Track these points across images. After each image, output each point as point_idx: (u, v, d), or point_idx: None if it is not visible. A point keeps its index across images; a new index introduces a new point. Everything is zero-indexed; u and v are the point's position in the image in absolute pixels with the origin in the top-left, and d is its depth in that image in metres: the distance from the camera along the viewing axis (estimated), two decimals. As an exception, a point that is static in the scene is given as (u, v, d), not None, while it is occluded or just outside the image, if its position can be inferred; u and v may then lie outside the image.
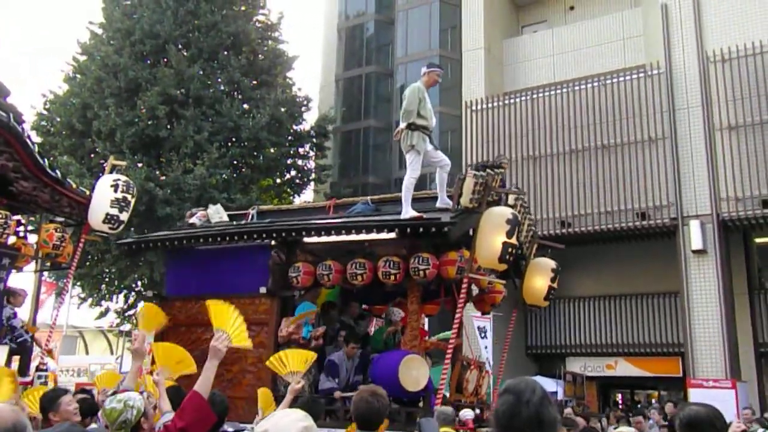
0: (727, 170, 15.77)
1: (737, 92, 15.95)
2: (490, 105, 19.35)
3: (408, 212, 7.15)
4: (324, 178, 23.83)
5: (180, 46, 20.05)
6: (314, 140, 23.05)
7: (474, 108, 19.51)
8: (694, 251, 15.89)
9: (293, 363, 5.40)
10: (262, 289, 7.66)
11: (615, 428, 9.27)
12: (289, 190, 23.11)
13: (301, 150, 22.94)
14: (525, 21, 23.90)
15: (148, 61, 19.95)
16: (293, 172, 23.04)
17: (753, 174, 15.49)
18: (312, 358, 5.56)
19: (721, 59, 16.25)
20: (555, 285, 7.89)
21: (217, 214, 9.05)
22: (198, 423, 3.14)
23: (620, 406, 19.93)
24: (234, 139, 19.80)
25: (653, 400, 19.48)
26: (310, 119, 23.90)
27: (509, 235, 6.69)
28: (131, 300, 20.83)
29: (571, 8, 22.76)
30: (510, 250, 6.72)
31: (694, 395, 14.04)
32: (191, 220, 9.06)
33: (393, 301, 8.95)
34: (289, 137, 21.86)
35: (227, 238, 7.87)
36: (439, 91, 26.81)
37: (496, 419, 2.36)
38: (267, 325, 7.64)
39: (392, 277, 7.00)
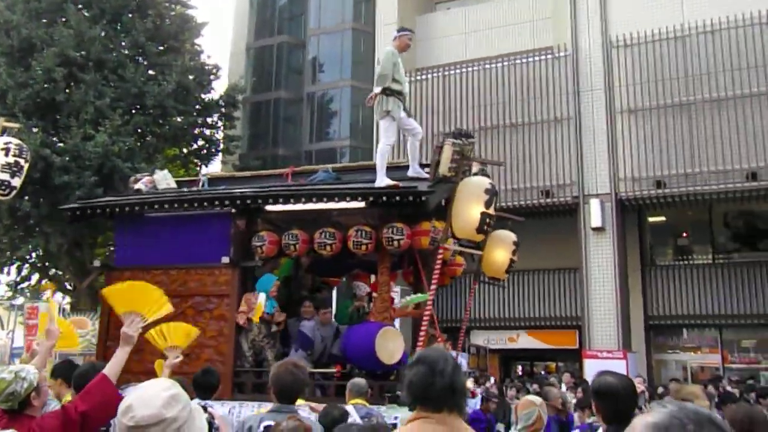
0: (626, 151, 16.46)
1: (637, 77, 16.62)
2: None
3: (383, 180, 6.94)
4: (233, 149, 23.32)
5: (80, 6, 19.01)
6: (223, 110, 22.48)
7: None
8: (593, 229, 16.55)
9: (174, 337, 5.19)
10: (225, 259, 7.29)
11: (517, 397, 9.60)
12: (196, 160, 22.50)
13: (209, 119, 22.34)
14: (438, -2, 24.01)
15: (44, 20, 18.82)
16: (201, 142, 22.46)
17: (649, 156, 16.23)
18: (194, 333, 5.37)
19: (623, 44, 16.86)
20: (515, 258, 7.84)
21: (165, 180, 8.58)
22: (102, 408, 2.95)
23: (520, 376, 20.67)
24: (138, 106, 19.02)
25: (543, 371, 20.24)
26: (219, 88, 23.30)
27: (487, 205, 6.62)
28: (24, 272, 19.82)
29: (484, -13, 22.99)
30: (488, 220, 6.67)
31: (589, 366, 14.74)
32: (137, 186, 8.50)
33: (349, 273, 8.77)
34: (197, 106, 21.22)
35: (187, 205, 7.47)
36: (351, 64, 26.69)
37: (409, 390, 2.35)
38: (228, 296, 7.33)
39: (364, 247, 6.77)
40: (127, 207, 7.80)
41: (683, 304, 17.49)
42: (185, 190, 8.34)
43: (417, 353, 2.49)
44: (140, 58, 19.85)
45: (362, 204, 6.90)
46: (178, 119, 19.96)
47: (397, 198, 6.61)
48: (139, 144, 18.86)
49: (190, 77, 20.35)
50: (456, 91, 18.60)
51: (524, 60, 18.14)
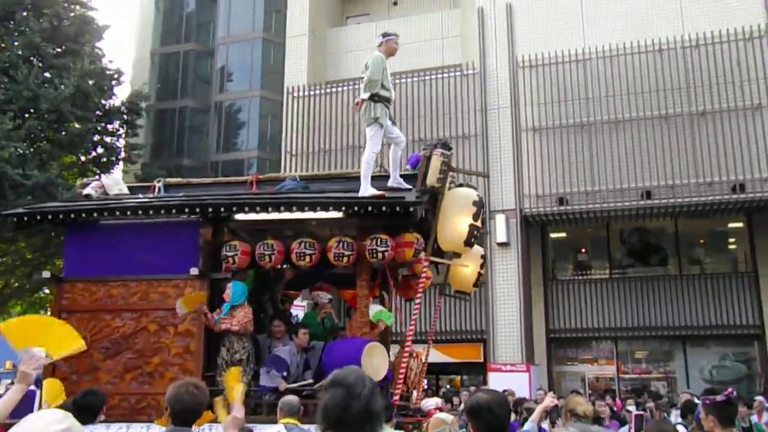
0: (530, 169, 16.92)
1: (542, 96, 17.14)
2: (312, 92, 19.24)
3: (367, 189, 6.64)
4: (135, 157, 22.47)
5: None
6: (125, 117, 21.63)
7: (296, 94, 19.31)
8: (498, 244, 16.89)
9: (34, 336, 4.32)
10: (194, 270, 6.76)
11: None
12: (94, 168, 21.50)
13: (109, 126, 21.44)
14: (350, 12, 24.06)
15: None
16: (100, 150, 21.48)
17: (552, 174, 16.74)
18: (76, 341, 4.29)
19: (529, 65, 17.36)
20: (482, 271, 7.68)
21: (117, 185, 7.90)
22: None
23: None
24: (32, 110, 18.01)
25: (448, 385, 20.45)
26: (121, 94, 22.40)
27: (475, 217, 6.46)
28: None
29: (395, 4, 23.27)
30: (475, 233, 6.48)
31: (493, 378, 14.96)
32: (86, 191, 7.76)
33: (311, 285, 8.41)
34: (97, 112, 20.33)
35: (152, 212, 6.86)
36: (260, 75, 26.32)
37: (324, 414, 2.22)
38: (195, 311, 6.79)
39: (345, 259, 6.50)
40: (84, 213, 7.14)
41: (582, 317, 18.08)
42: (141, 196, 7.67)
43: (332, 374, 2.35)
44: (35, 59, 18.83)
45: (340, 214, 6.63)
46: (76, 125, 19.04)
47: (384, 209, 6.36)
48: (31, 150, 17.85)
49: (90, 82, 19.48)
50: (366, 105, 18.59)
51: (434, 76, 18.38)
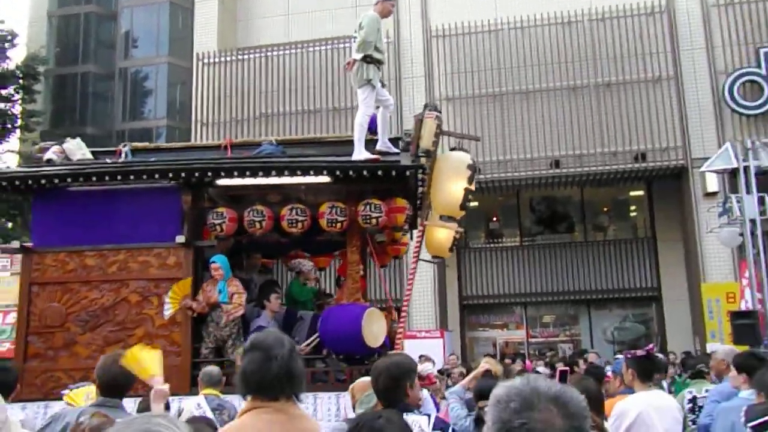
0: (445, 138, 17.06)
1: (455, 66, 17.28)
2: (222, 59, 18.70)
3: (361, 152, 6.47)
4: (33, 125, 21.27)
5: None
6: (21, 82, 20.40)
7: (206, 61, 18.72)
8: (413, 213, 17.03)
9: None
10: (179, 238, 6.46)
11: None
12: (-13, 136, 20.29)
13: (3, 92, 20.17)
14: (261, -23, 23.41)
15: None
16: (-6, 117, 20.23)
17: (465, 143, 16.92)
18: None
19: (442, 34, 17.44)
20: (457, 235, 7.43)
21: (80, 150, 7.36)
22: None
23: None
24: None
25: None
26: (16, 58, 21.09)
27: (470, 180, 6.35)
28: None
29: (308, -31, 22.77)
30: (470, 196, 6.39)
31: (409, 345, 15.15)
32: (46, 156, 7.21)
33: (287, 253, 8.19)
34: (-11, 76, 19.09)
35: (133, 177, 6.50)
36: (168, 40, 25.36)
37: (243, 378, 2.16)
38: (181, 280, 6.48)
39: (338, 225, 6.38)
40: (57, 179, 6.62)
41: (494, 284, 18.58)
42: (108, 161, 7.17)
43: (251, 338, 2.29)
44: None
45: (328, 179, 6.37)
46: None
47: (379, 173, 6.18)
48: None
49: (-20, 43, 18.25)
50: (278, 73, 18.26)
51: (345, 45, 18.18)
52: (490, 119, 16.85)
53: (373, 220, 6.34)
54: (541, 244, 19.09)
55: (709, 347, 13.72)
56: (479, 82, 17.05)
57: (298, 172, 6.27)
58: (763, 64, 15.50)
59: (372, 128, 6.99)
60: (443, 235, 7.41)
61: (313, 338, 6.61)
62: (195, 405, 4.83)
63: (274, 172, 6.26)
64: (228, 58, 18.71)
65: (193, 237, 6.59)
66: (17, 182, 6.79)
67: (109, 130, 24.19)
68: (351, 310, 6.40)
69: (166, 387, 3.16)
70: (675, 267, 17.47)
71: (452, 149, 6.94)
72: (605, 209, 19.96)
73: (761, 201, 12.11)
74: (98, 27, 25.68)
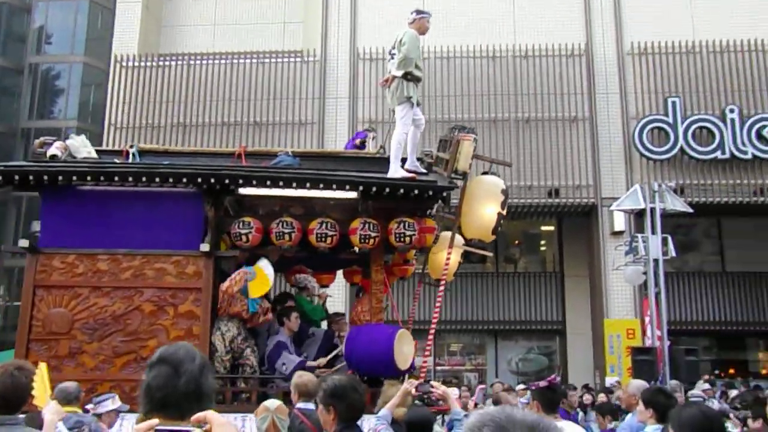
0: (365, 161, 17.06)
1: (379, 89, 17.31)
2: (143, 64, 18.12)
3: (397, 171, 6.42)
4: (-72, 116, 19.94)
5: None
6: None
7: (125, 64, 18.08)
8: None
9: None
10: (204, 247, 6.15)
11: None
12: None
13: None
14: (189, -16, 22.94)
15: None
16: None
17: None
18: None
19: (369, 57, 17.51)
20: (462, 261, 7.61)
21: (84, 147, 6.94)
22: None
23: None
24: None
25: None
26: None
27: (503, 206, 6.34)
28: None
29: (238, -19, 22.50)
30: (501, 221, 6.35)
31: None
32: (50, 152, 6.70)
33: (290, 268, 7.96)
34: None
35: (158, 180, 6.14)
36: (84, 39, 24.42)
37: (147, 395, 1.95)
38: (200, 291, 6.12)
39: (371, 241, 6.28)
40: (74, 176, 6.17)
41: (403, 310, 18.54)
42: (116, 161, 6.83)
43: (159, 351, 2.09)
44: None
45: (355, 194, 6.27)
46: None
47: (416, 191, 6.13)
48: None
49: None
50: (201, 83, 17.84)
51: (273, 60, 18.00)
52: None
53: (407, 239, 6.34)
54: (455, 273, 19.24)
55: (608, 381, 14.15)
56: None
57: (334, 186, 6.21)
58: (670, 113, 16.30)
59: (351, 145, 7.12)
60: (451, 260, 7.41)
61: (332, 355, 6.59)
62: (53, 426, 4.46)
63: (308, 184, 6.15)
64: (148, 63, 18.14)
65: (216, 246, 6.42)
66: (30, 178, 6.32)
67: (14, 127, 22.95)
68: (382, 330, 6.33)
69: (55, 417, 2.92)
70: (580, 302, 17.98)
71: (484, 173, 6.91)
72: (517, 242, 20.39)
73: (664, 242, 12.63)
74: (9, 18, 24.48)
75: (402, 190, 6.21)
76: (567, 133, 16.84)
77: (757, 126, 16.00)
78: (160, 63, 18.14)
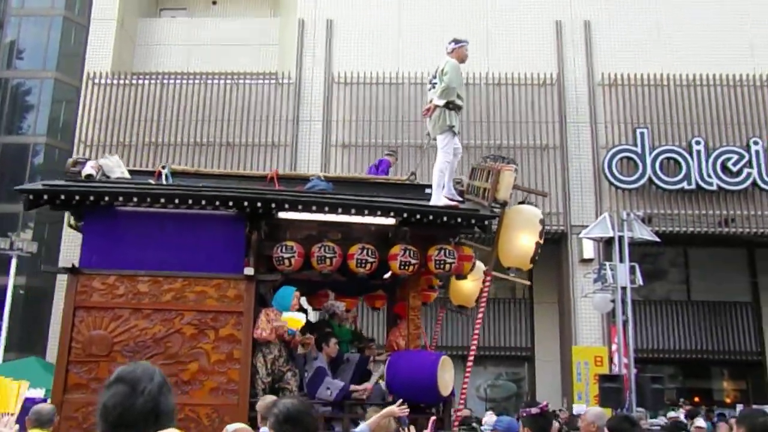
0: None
1: (354, 114, 17.43)
2: (116, 81, 18.00)
3: (440, 199, 6.59)
4: None
5: None
6: None
7: (97, 81, 17.94)
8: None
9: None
10: (248, 271, 6.14)
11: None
12: None
13: None
14: (164, 4, 22.94)
15: None
16: None
17: (358, 191, 17.00)
18: (25, 389, 4.15)
19: (344, 82, 17.60)
20: (486, 288, 7.58)
21: (119, 167, 6.92)
22: None
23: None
24: None
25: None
26: None
27: (541, 235, 6.42)
28: None
29: (214, 3, 22.57)
30: (539, 250, 6.42)
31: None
32: (85, 171, 6.60)
33: (315, 292, 8.07)
34: None
35: (203, 203, 6.18)
36: (57, 56, 24.20)
37: (103, 414, 1.91)
38: (241, 314, 6.10)
39: (411, 268, 6.34)
40: (120, 197, 6.17)
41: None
42: (152, 182, 6.83)
43: (117, 370, 2.05)
44: None
45: (391, 221, 6.35)
46: None
47: (459, 220, 6.28)
48: None
49: None
50: (174, 102, 17.75)
51: (247, 81, 18.00)
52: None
53: (447, 266, 6.42)
54: (424, 298, 19.24)
55: (576, 408, 14.18)
56: (376, 132, 17.24)
57: (379, 213, 6.27)
58: (638, 143, 16.60)
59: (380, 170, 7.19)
60: (469, 286, 7.61)
61: (375, 379, 6.64)
62: None
63: (354, 210, 6.24)
64: (121, 81, 18.02)
65: (259, 270, 6.42)
66: (77, 198, 6.26)
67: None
68: (424, 357, 6.42)
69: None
70: (549, 328, 18.07)
71: (520, 203, 7.01)
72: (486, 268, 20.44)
73: (632, 270, 12.78)
74: (-19, 33, 24.21)
75: (445, 218, 6.36)
76: (538, 161, 17.04)
77: (721, 158, 16.36)
78: (133, 81, 18.04)
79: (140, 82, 18.06)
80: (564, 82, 17.57)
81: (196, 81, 17.95)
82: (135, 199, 6.24)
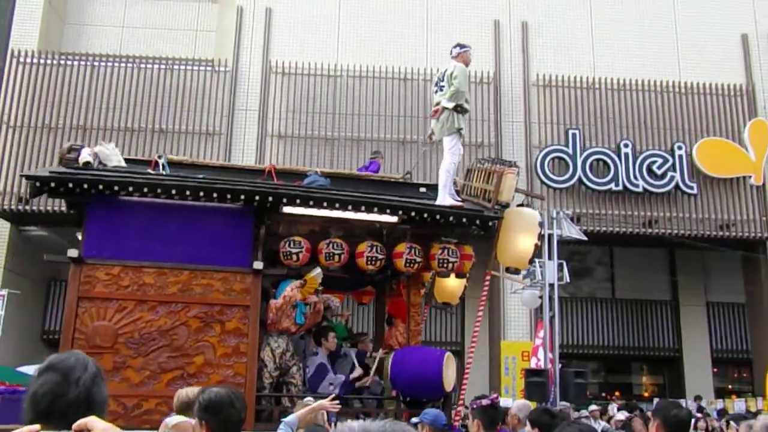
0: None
1: (290, 105, 17.27)
2: (42, 61, 17.32)
3: (446, 199, 6.80)
4: None
5: None
6: None
7: (22, 60, 17.22)
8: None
9: None
10: (257, 265, 6.18)
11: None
12: None
13: None
14: (97, -17, 22.19)
15: None
16: None
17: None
18: None
19: (281, 72, 17.41)
20: (467, 285, 7.76)
21: (115, 156, 6.68)
22: None
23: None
24: None
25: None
26: None
27: (538, 237, 6.64)
28: None
29: (149, -15, 21.95)
30: (536, 251, 6.64)
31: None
32: (83, 158, 6.32)
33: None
34: None
35: (215, 195, 6.17)
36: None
37: (32, 403, 1.85)
38: (248, 308, 6.15)
39: (416, 266, 6.57)
40: (130, 187, 6.02)
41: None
42: (151, 172, 6.73)
43: (49, 358, 1.99)
44: None
45: (393, 218, 6.41)
46: None
47: (464, 220, 6.43)
48: None
49: None
50: (104, 85, 17.21)
51: (182, 67, 17.61)
52: (320, 162, 16.91)
53: (450, 265, 6.63)
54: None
55: (502, 402, 14.46)
56: (313, 124, 17.14)
57: (388, 210, 6.34)
58: (570, 144, 17.02)
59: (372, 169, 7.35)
60: (453, 283, 7.77)
61: (373, 371, 6.74)
62: None
63: (363, 207, 6.33)
64: (49, 61, 17.36)
65: (266, 264, 6.41)
66: (87, 185, 6.11)
67: None
68: (428, 353, 6.58)
69: None
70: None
71: (519, 206, 7.27)
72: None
73: (560, 267, 13.11)
74: None
75: (451, 218, 6.53)
76: (474, 157, 17.19)
77: (648, 161, 16.93)
78: (62, 62, 17.39)
79: (69, 62, 17.43)
80: (500, 80, 17.85)
81: (129, 64, 17.44)
82: (145, 190, 6.12)
